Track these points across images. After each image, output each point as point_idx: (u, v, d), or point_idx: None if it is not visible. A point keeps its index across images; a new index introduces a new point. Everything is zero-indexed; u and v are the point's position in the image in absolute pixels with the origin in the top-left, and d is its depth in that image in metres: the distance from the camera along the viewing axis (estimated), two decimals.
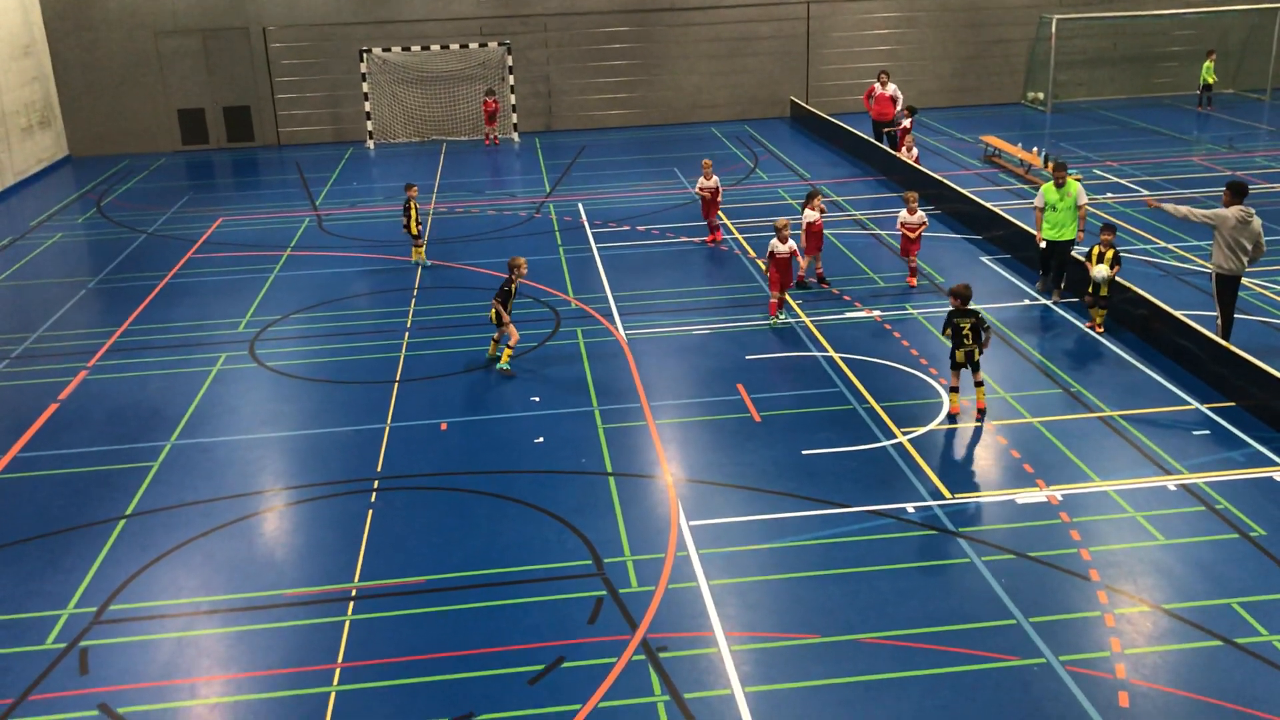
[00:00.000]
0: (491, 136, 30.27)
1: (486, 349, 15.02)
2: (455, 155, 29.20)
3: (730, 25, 31.84)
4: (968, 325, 12.56)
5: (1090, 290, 15.15)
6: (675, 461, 11.99)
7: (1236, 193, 13.92)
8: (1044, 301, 16.32)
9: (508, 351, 14.52)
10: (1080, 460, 11.66)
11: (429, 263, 19.30)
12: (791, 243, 15.97)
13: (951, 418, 12.70)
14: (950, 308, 12.78)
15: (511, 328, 14.49)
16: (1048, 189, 16.14)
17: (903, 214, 17.26)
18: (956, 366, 12.79)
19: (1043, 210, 16.24)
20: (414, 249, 19.35)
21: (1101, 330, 15.06)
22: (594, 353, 15.09)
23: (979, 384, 12.84)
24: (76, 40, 29.77)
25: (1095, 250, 15.06)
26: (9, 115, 26.92)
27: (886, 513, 10.78)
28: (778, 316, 15.86)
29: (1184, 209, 14.18)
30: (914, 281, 17.25)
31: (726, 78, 32.36)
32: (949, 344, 12.81)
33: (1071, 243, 16.14)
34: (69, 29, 29.66)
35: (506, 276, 14.77)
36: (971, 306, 12.76)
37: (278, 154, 30.37)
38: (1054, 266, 16.39)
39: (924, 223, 17.17)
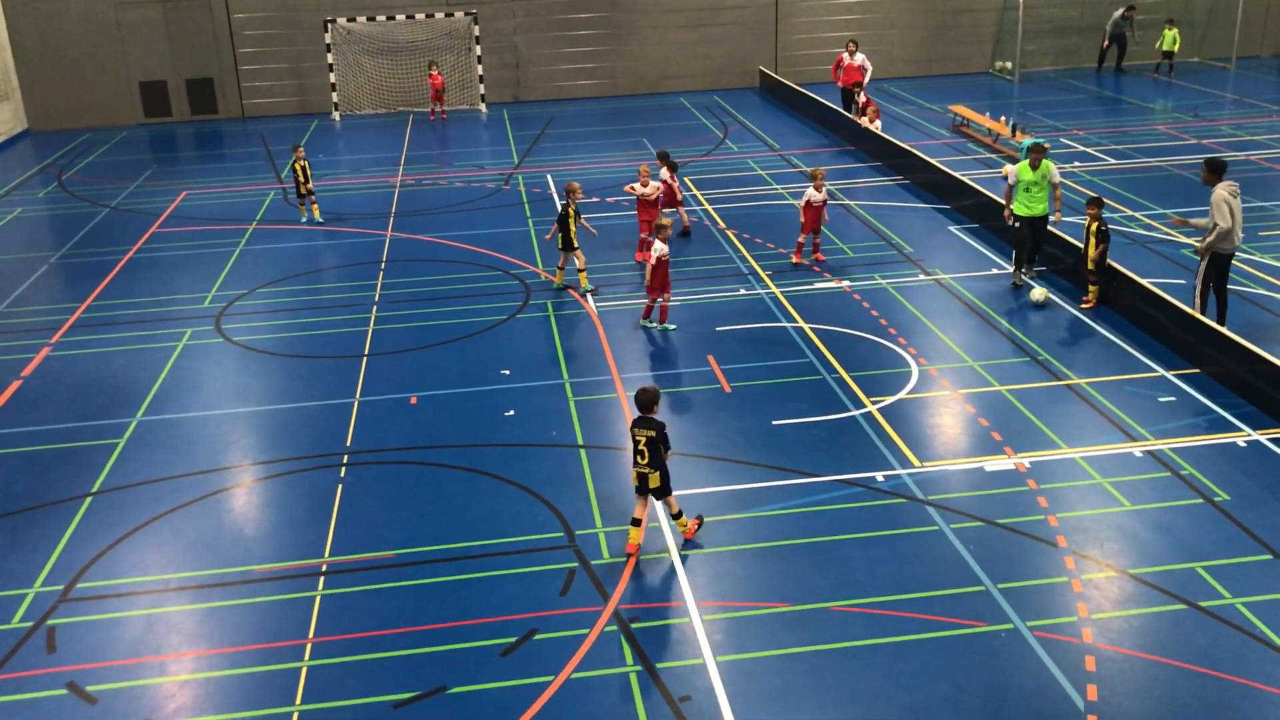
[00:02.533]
0: (438, 112, 29.83)
1: (553, 278, 16.10)
2: (422, 127, 28.94)
3: None
4: (644, 440, 9.51)
5: (1098, 263, 14.65)
6: None
7: (1216, 170, 13.75)
8: (1010, 270, 16.31)
9: (583, 274, 15.95)
10: (1047, 427, 11.76)
11: (320, 219, 20.19)
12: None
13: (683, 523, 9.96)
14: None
15: (579, 251, 15.82)
16: (1023, 168, 15.66)
17: (809, 191, 16.71)
18: (639, 491, 9.72)
19: (1013, 188, 15.90)
20: (304, 207, 20.24)
21: (1088, 306, 14.82)
22: (564, 325, 15.04)
23: (676, 516, 9.82)
24: (34, 11, 29.21)
25: (1090, 226, 14.69)
26: None
27: (856, 481, 10.84)
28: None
29: (1200, 221, 13.95)
30: (798, 258, 16.90)
31: (695, 48, 32.20)
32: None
33: (1045, 218, 15.87)
34: (26, 0, 29.09)
35: (564, 202, 15.76)
36: (655, 417, 9.64)
37: (242, 126, 30.00)
38: (1030, 246, 15.94)
39: (826, 200, 16.79)
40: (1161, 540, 9.74)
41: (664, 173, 18.04)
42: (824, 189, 16.79)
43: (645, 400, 9.66)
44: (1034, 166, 15.63)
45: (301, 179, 19.80)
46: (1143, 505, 10.29)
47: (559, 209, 15.63)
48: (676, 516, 9.87)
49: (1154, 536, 9.80)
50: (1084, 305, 14.83)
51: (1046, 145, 15.87)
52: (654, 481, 9.62)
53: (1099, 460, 11.09)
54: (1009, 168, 16.48)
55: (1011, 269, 16.22)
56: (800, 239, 16.87)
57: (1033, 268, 16.30)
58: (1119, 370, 13.06)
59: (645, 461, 9.56)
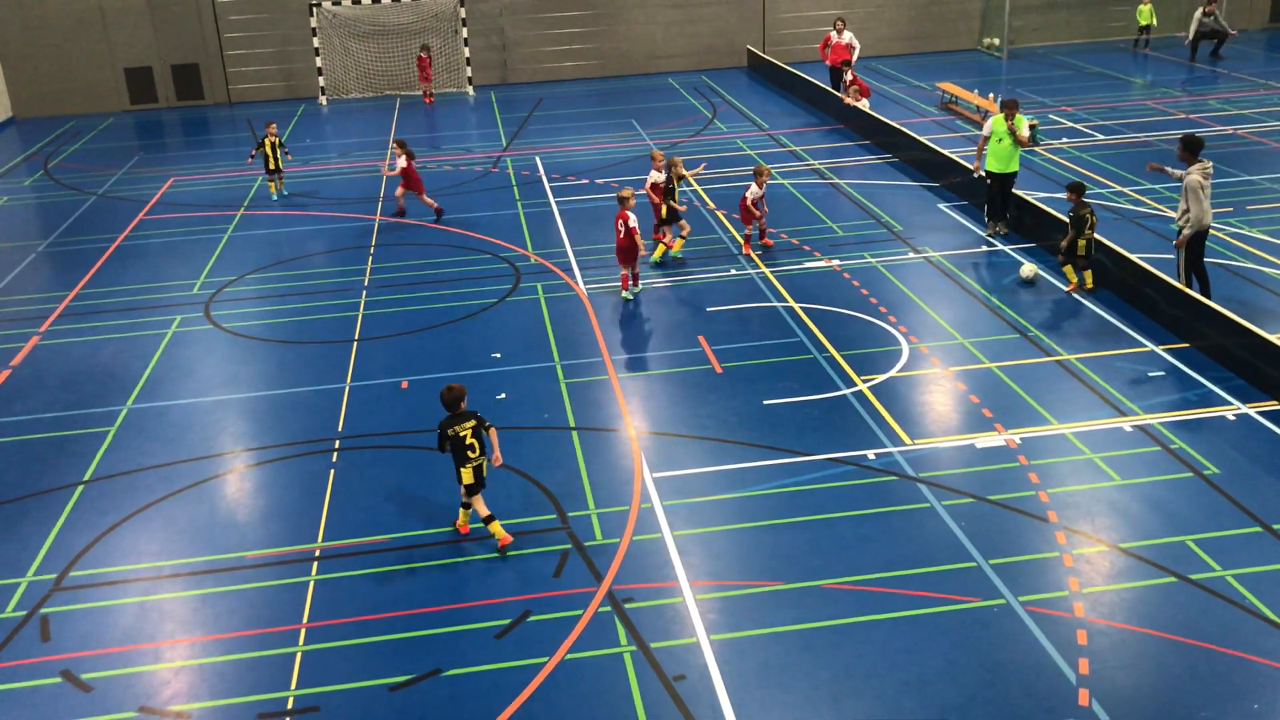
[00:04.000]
0: (427, 92, 29.71)
1: (652, 252, 16.24)
2: (410, 110, 28.81)
3: None
4: (468, 433, 9.39)
5: (1064, 250, 14.68)
6: (638, 414, 12.01)
7: (1191, 148, 13.82)
8: (1000, 247, 16.41)
9: (680, 241, 16.44)
10: (1038, 404, 11.79)
11: (286, 193, 21.00)
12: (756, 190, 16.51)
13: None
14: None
15: (683, 220, 16.43)
16: (998, 121, 16.32)
17: (752, 187, 16.51)
18: (468, 489, 9.61)
19: (988, 140, 16.46)
20: (273, 183, 20.85)
21: (1074, 289, 14.72)
22: (554, 308, 15.03)
23: (488, 520, 9.60)
24: None
25: (1078, 215, 14.55)
26: None
27: (847, 460, 10.86)
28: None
29: (1178, 172, 14.02)
30: (749, 249, 16.75)
31: (683, 27, 32.07)
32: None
33: (1014, 175, 16.48)
34: None
35: (665, 175, 16.20)
36: (471, 411, 9.59)
37: (229, 112, 29.84)
38: (999, 200, 16.63)
39: (763, 195, 16.62)
40: (1151, 514, 9.79)
41: (402, 161, 18.82)
42: (764, 185, 16.58)
43: (452, 399, 9.49)
44: (1009, 119, 16.12)
45: (271, 155, 20.43)
46: (1133, 480, 10.33)
47: (658, 183, 16.16)
48: (489, 520, 9.62)
49: (1144, 510, 9.85)
50: (1069, 290, 14.80)
51: (1017, 102, 16.38)
52: (485, 469, 9.56)
53: (1089, 435, 11.13)
54: (987, 121, 16.78)
55: (988, 226, 16.95)
56: (746, 231, 16.77)
57: (1004, 224, 16.82)
58: (1109, 346, 13.09)
59: (478, 454, 9.49)
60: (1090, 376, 12.35)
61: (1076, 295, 14.54)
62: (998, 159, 16.39)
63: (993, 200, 16.80)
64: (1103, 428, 11.26)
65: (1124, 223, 17.15)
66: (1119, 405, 11.69)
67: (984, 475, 10.51)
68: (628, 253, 14.88)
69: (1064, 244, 14.64)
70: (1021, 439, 11.11)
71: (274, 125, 20.81)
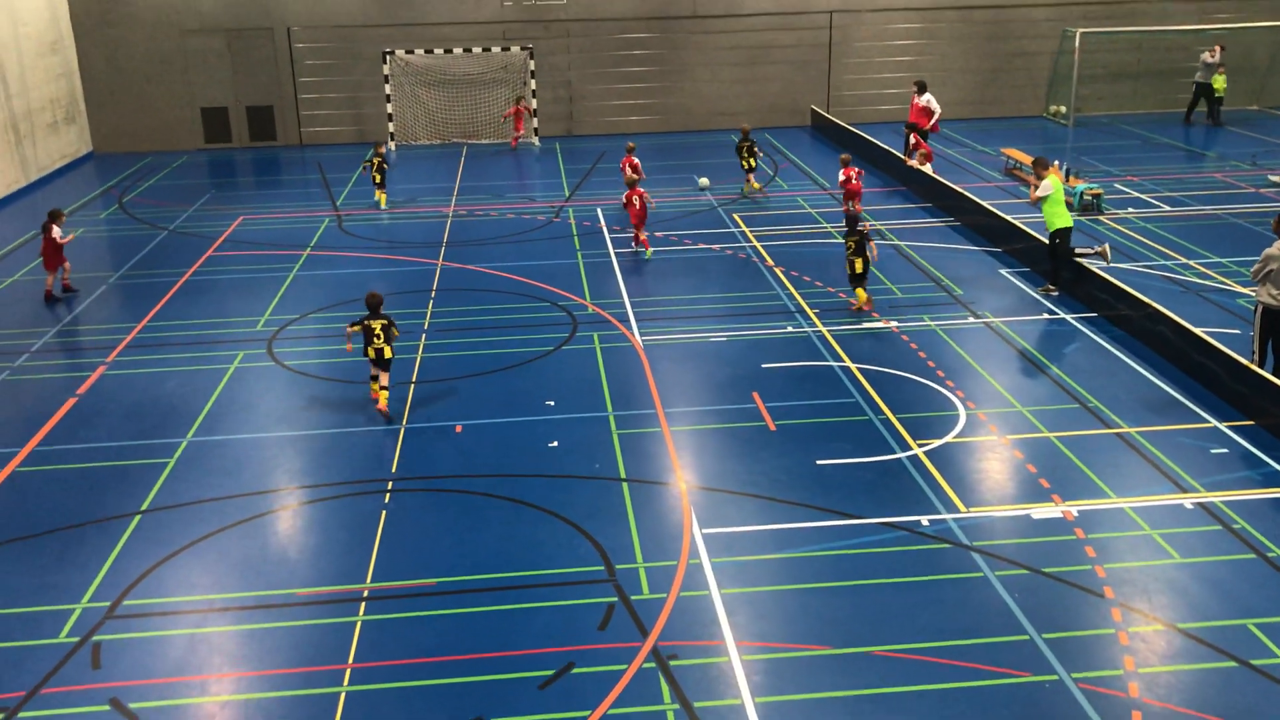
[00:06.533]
0: (516, 139, 30.23)
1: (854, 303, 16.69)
2: (476, 158, 29.27)
3: (752, 33, 31.84)
4: (379, 326, 13.22)
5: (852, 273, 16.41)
6: (689, 468, 11.98)
7: None
8: (1061, 315, 16.24)
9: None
10: (1096, 476, 11.60)
11: (384, 207, 23.62)
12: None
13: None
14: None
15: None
16: (1058, 180, 17.00)
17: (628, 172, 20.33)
18: (373, 363, 13.50)
19: (1043, 200, 16.97)
20: (380, 194, 23.71)
21: (858, 309, 16.39)
22: (610, 358, 15.09)
23: (382, 388, 13.45)
24: (103, 37, 29.97)
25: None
26: (35, 111, 27.12)
27: (900, 525, 10.75)
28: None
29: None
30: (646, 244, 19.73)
31: (747, 85, 32.35)
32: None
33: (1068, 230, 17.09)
34: (95, 25, 29.87)
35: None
36: (385, 314, 13.42)
37: (299, 153, 30.50)
38: (1061, 255, 17.15)
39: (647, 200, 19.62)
40: (1212, 595, 9.56)
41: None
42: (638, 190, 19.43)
43: (375, 303, 13.29)
44: (1041, 177, 17.07)
45: (376, 167, 23.47)
46: (1193, 558, 10.10)
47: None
48: (385, 388, 13.36)
49: (1204, 590, 9.62)
50: (852, 308, 16.51)
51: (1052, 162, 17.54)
52: (388, 354, 13.25)
53: (1149, 511, 10.92)
54: (1044, 182, 17.19)
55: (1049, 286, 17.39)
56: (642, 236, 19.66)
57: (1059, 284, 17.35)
58: (1171, 420, 12.87)
59: (382, 340, 13.12)
60: (1151, 450, 12.14)
61: (1140, 368, 14.32)
62: (1062, 217, 16.87)
63: (1057, 258, 17.16)
64: (1163, 504, 11.05)
65: (1189, 295, 16.92)
66: (1180, 481, 11.47)
67: (1039, 547, 10.34)
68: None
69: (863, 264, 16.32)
70: (1079, 511, 10.93)
71: (381, 146, 24.38)
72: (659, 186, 25.23)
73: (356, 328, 13.26)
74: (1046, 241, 17.22)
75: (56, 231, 17.94)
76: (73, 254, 20.98)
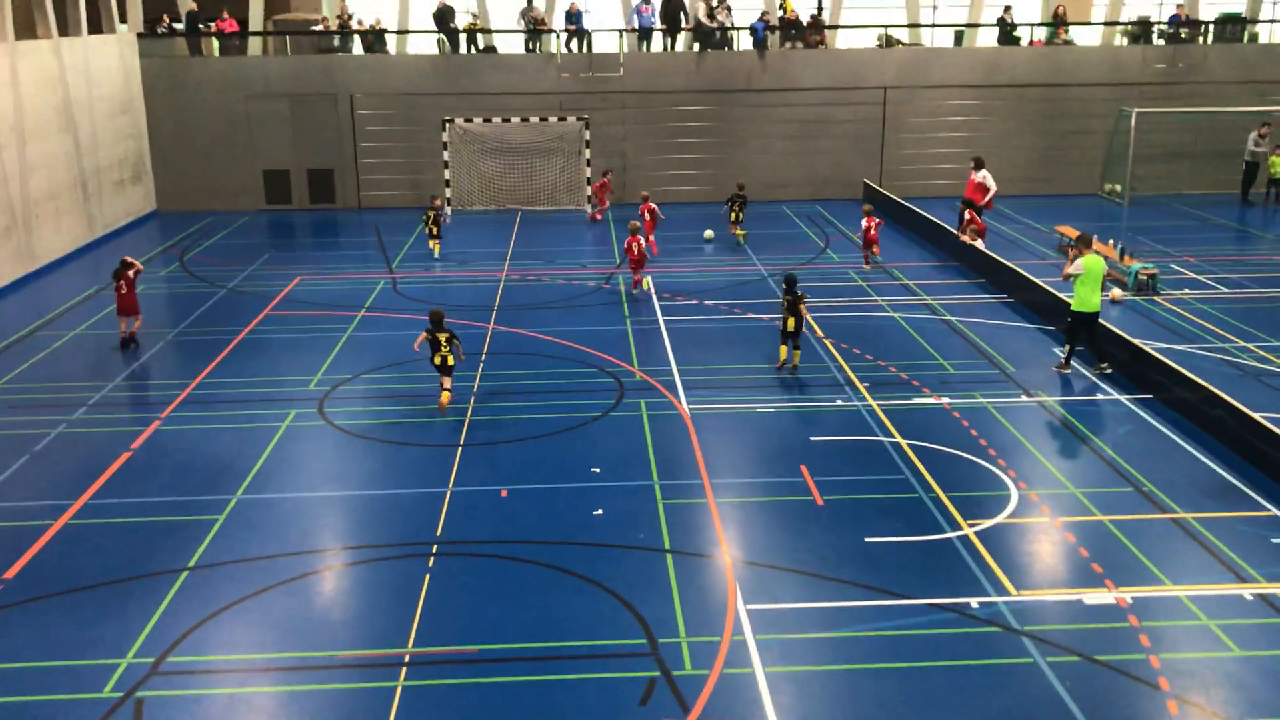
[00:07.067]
0: (597, 210, 30.20)
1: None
2: (529, 224, 29.61)
3: (807, 107, 32.10)
4: (445, 338, 15.76)
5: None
6: (735, 542, 11.88)
7: None
8: (1116, 396, 16.01)
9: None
10: (1151, 562, 11.34)
11: (438, 258, 25.28)
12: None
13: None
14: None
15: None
16: (1098, 263, 16.90)
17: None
18: (438, 369, 15.89)
19: (1076, 277, 16.97)
20: (433, 243, 25.42)
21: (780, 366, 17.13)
22: (657, 426, 15.07)
23: (445, 389, 15.83)
24: (172, 100, 30.85)
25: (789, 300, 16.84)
26: (103, 170, 27.90)
27: (949, 607, 10.55)
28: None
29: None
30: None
31: (800, 158, 32.55)
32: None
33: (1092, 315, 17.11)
34: (166, 89, 30.77)
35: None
36: (449, 328, 15.75)
37: (357, 216, 31.03)
38: (1088, 338, 17.17)
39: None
40: (1273, 690, 9.25)
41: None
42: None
43: (438, 318, 15.63)
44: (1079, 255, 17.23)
45: (430, 223, 25.14)
46: (1253, 651, 9.81)
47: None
48: (447, 389, 15.66)
49: (1264, 685, 9.32)
50: (777, 366, 17.08)
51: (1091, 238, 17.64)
52: (450, 362, 15.58)
53: (1206, 600, 10.64)
54: (1078, 261, 17.27)
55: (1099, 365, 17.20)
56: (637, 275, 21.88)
57: (1070, 362, 17.30)
58: (1229, 507, 12.59)
59: (446, 350, 15.50)
60: (1208, 538, 11.86)
61: (1195, 451, 14.06)
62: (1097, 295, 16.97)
63: (1094, 337, 17.15)
64: (1221, 593, 10.76)
65: (1247, 379, 16.63)
66: (1239, 571, 11.17)
67: (1092, 634, 10.10)
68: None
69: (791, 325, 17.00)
70: (1133, 598, 10.67)
71: (437, 199, 26.30)
72: (709, 256, 25.36)
73: (425, 336, 15.54)
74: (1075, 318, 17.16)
75: (132, 272, 18.83)
76: None
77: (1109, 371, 16.95)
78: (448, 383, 15.61)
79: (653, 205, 25.21)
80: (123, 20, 31.18)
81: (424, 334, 15.61)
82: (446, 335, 15.49)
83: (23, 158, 23.89)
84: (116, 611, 10.62)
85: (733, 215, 26.90)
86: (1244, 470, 13.53)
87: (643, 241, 21.76)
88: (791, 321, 16.91)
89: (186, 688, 9.43)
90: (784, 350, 17.20)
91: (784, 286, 17.25)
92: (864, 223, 24.00)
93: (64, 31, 26.88)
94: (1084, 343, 17.24)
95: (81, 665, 9.75)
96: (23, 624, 10.43)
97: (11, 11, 24.09)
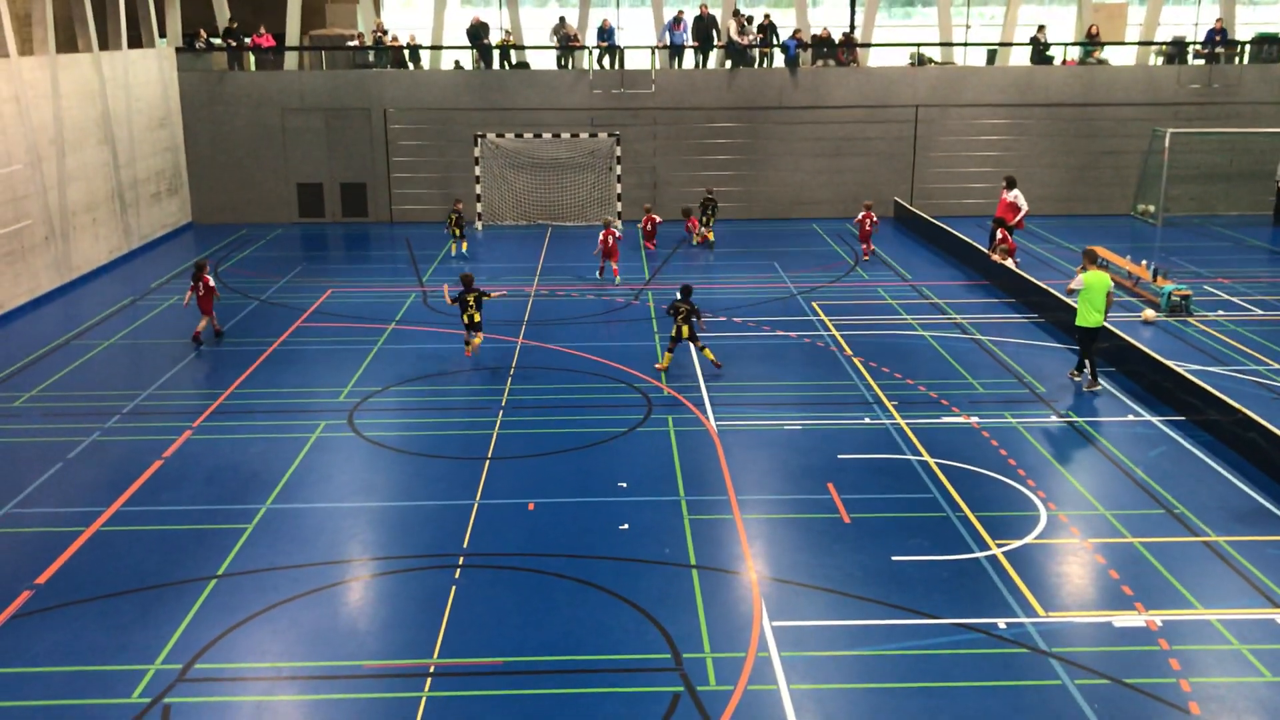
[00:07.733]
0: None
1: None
2: (559, 239, 29.73)
3: (837, 125, 32.10)
4: (686, 310, 17.72)
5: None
6: (760, 558, 11.85)
7: None
8: (1148, 417, 15.88)
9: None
10: (1182, 585, 11.23)
11: (466, 254, 26.98)
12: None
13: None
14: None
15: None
16: (1100, 278, 17.14)
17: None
18: (467, 328, 18.29)
19: (1078, 292, 17.27)
20: (454, 244, 26.89)
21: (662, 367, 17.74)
22: (684, 441, 15.07)
23: (468, 341, 18.38)
24: (209, 114, 31.24)
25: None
26: (140, 182, 28.26)
27: (976, 627, 10.48)
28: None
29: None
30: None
31: (831, 176, 32.54)
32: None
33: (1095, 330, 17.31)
34: (203, 103, 31.16)
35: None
36: (477, 287, 18.09)
37: (389, 230, 31.26)
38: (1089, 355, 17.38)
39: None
40: None
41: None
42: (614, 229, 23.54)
43: (469, 280, 17.98)
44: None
45: (454, 223, 26.70)
46: None
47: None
48: (472, 342, 18.14)
49: None
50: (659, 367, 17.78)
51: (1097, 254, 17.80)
52: (477, 318, 18.00)
53: (1237, 624, 10.51)
54: (1079, 276, 17.52)
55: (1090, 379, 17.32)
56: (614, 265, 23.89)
57: (1083, 373, 17.39)
58: (1261, 530, 12.45)
59: (474, 308, 17.89)
60: (1240, 561, 11.73)
61: (1227, 473, 13.92)
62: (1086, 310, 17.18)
63: (1092, 353, 17.36)
64: (1252, 618, 10.64)
65: None
66: (1271, 595, 11.04)
67: (1121, 656, 10.00)
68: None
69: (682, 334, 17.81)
70: (1163, 621, 10.56)
71: (459, 202, 27.46)
72: (738, 273, 25.37)
73: (455, 302, 17.89)
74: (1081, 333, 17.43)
75: (209, 278, 19.93)
76: (165, 321, 21.66)
77: (1076, 380, 17.41)
78: (479, 338, 17.92)
79: (656, 217, 28.18)
80: (162, 34, 31.66)
81: (454, 300, 17.91)
82: (476, 293, 17.71)
83: (62, 169, 24.25)
84: (146, 618, 10.72)
85: (704, 219, 28.60)
86: (1277, 494, 13.37)
87: (617, 234, 24.31)
88: (686, 330, 17.72)
89: (214, 694, 9.50)
90: (668, 357, 18.02)
91: (679, 295, 18.04)
92: (860, 215, 26.40)
93: (104, 45, 27.31)
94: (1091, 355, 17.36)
95: (110, 670, 9.84)
96: (53, 629, 10.55)
97: (54, 25, 24.50)
